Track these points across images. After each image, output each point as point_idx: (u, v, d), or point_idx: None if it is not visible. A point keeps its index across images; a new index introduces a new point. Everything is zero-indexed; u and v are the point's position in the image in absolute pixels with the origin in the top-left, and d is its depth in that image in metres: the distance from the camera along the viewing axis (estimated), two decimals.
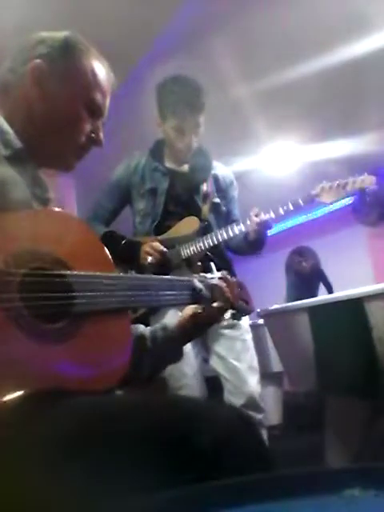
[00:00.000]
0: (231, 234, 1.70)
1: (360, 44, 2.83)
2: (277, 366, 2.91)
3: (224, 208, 1.89)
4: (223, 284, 0.96)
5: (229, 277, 1.01)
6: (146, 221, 1.82)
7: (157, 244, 1.72)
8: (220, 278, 0.99)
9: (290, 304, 1.98)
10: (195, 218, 1.77)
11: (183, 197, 1.84)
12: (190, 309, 0.95)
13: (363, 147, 3.85)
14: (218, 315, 0.94)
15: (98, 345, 0.71)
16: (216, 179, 1.90)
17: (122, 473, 0.55)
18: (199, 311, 0.93)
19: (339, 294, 1.84)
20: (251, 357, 1.76)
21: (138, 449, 0.59)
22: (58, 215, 0.78)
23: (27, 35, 0.89)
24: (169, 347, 0.93)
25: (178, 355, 0.97)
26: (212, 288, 0.95)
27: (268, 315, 2.02)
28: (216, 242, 1.71)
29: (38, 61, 0.86)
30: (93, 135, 0.91)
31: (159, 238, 1.78)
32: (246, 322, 1.80)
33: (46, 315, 0.65)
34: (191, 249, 1.72)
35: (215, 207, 1.85)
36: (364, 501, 0.38)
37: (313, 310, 1.72)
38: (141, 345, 0.92)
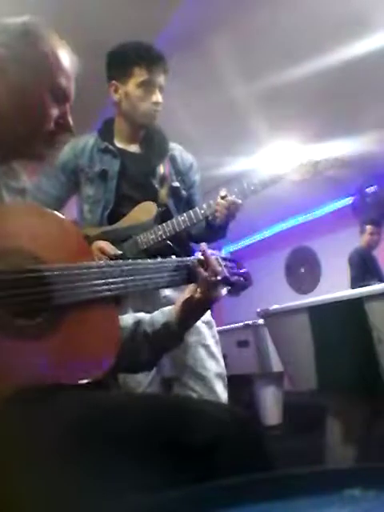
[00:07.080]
0: (194, 220, 1.50)
1: (360, 44, 2.83)
2: (277, 365, 2.90)
3: (184, 192, 1.68)
4: (201, 261, 0.92)
5: (207, 253, 0.93)
6: (97, 209, 1.59)
7: (106, 248, 1.50)
8: (201, 255, 0.93)
9: (289, 304, 1.99)
10: (152, 203, 1.56)
11: (138, 179, 1.61)
12: (186, 291, 0.93)
13: (363, 147, 3.85)
14: (208, 294, 0.90)
15: (81, 337, 0.70)
16: (173, 161, 1.67)
17: (120, 473, 0.55)
18: (192, 294, 0.91)
19: (339, 293, 1.84)
20: (217, 363, 1.55)
21: (136, 449, 0.59)
22: (27, 209, 0.77)
23: None
24: (168, 332, 0.91)
25: (177, 340, 0.96)
26: (189, 268, 0.92)
27: (268, 315, 2.02)
28: (177, 230, 1.51)
29: None
30: (61, 120, 0.88)
31: (113, 227, 1.58)
32: (206, 326, 1.58)
33: (22, 312, 0.64)
34: (150, 238, 1.52)
35: (174, 191, 1.64)
36: (364, 501, 0.38)
37: (313, 310, 1.72)
38: (139, 330, 0.91)
